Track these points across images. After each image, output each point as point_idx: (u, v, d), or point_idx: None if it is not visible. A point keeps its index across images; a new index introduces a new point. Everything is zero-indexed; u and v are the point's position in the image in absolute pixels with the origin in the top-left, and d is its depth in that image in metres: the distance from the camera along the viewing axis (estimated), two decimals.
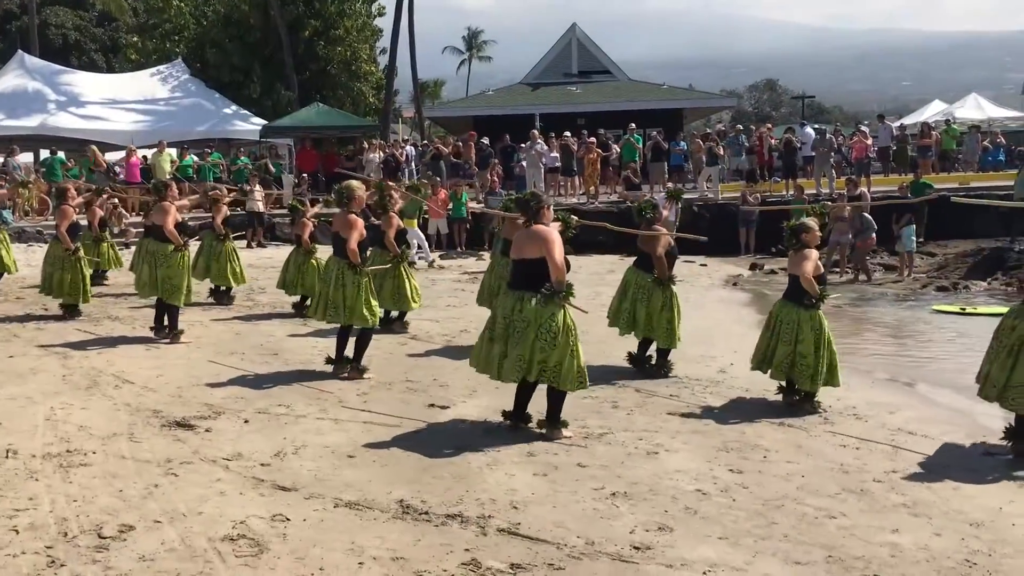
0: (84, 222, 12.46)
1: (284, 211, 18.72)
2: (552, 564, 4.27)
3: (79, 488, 5.12)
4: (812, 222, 7.31)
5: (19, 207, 21.01)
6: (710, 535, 4.65)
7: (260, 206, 19.85)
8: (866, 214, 15.96)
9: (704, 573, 4.23)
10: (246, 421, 6.58)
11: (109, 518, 4.67)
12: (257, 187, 19.23)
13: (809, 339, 7.00)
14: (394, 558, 4.29)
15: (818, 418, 6.96)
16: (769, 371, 7.26)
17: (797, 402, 7.18)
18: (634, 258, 8.61)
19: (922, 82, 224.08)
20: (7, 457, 5.61)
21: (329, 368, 8.09)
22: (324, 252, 9.96)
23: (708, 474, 5.59)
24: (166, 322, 9.60)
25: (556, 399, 6.25)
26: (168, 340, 9.43)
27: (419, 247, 17.15)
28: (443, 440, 6.19)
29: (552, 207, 6.54)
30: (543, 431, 6.27)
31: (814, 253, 7.19)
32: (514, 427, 6.40)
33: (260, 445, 5.99)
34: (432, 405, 7.13)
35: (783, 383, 7.25)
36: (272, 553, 4.31)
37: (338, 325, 8.05)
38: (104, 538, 4.43)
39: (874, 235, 16.17)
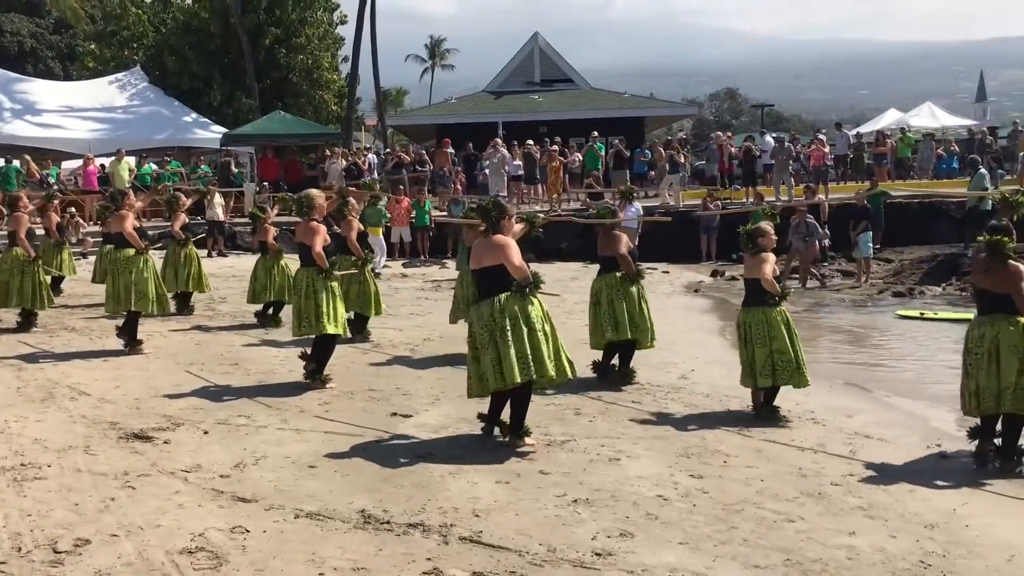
0: (39, 230, 12.28)
1: (245, 220, 18.56)
2: (514, 572, 4.27)
3: (33, 502, 5.03)
4: (767, 226, 7.40)
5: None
6: (671, 540, 4.68)
7: (220, 214, 19.67)
8: (811, 220, 16.18)
9: None
10: (206, 432, 6.50)
11: (64, 532, 4.60)
12: (217, 196, 19.04)
13: (782, 334, 7.06)
14: (355, 568, 4.27)
15: (777, 423, 7.04)
16: (754, 381, 7.19)
17: (764, 412, 7.21)
18: (596, 267, 8.65)
19: (877, 91, 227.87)
20: None
21: (291, 378, 8.03)
22: (290, 260, 9.96)
23: (669, 480, 5.63)
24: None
25: (521, 405, 6.23)
26: (127, 351, 9.30)
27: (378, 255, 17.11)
28: (405, 449, 6.17)
29: (514, 217, 6.55)
30: (506, 439, 6.27)
31: (771, 256, 7.28)
32: (487, 433, 6.37)
33: (220, 456, 5.93)
34: (395, 414, 7.10)
35: (757, 397, 7.28)
36: (231, 566, 4.27)
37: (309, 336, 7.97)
38: (59, 553, 4.35)
39: (818, 243, 16.37)
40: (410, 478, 5.56)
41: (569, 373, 6.17)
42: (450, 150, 23.55)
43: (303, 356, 7.99)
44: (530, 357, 5.90)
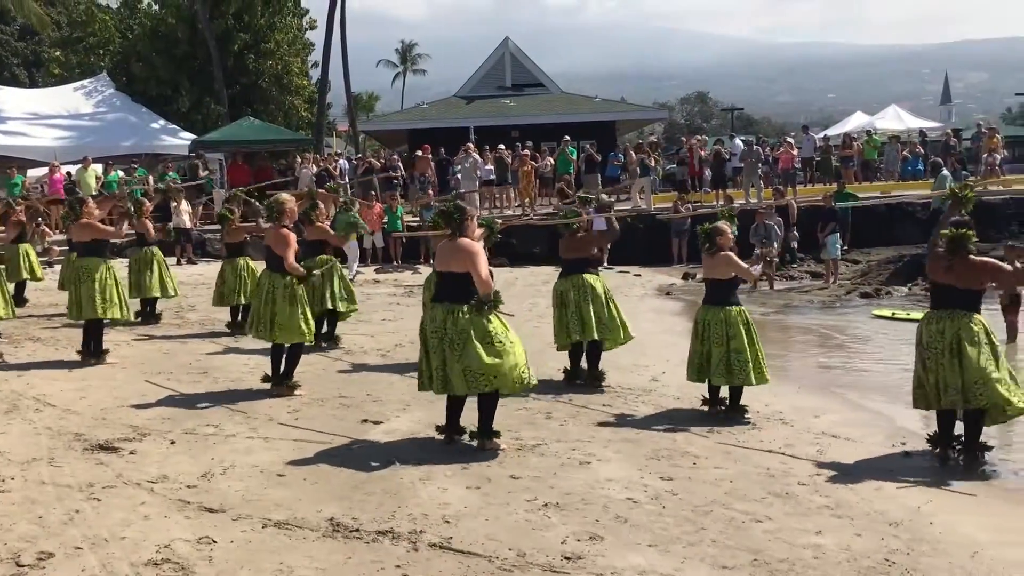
0: None
1: (215, 226, 18.40)
2: None
3: None
4: (724, 225, 7.47)
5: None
6: (640, 543, 4.70)
7: (187, 221, 19.49)
8: (769, 223, 16.30)
9: None
10: (172, 442, 6.44)
11: (27, 545, 4.54)
12: (184, 203, 18.85)
13: (740, 334, 7.12)
14: None
15: (745, 424, 7.09)
16: (707, 379, 7.29)
17: (724, 412, 7.29)
18: (559, 271, 8.69)
19: (846, 95, 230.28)
20: None
21: (260, 386, 7.97)
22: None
23: (639, 482, 5.66)
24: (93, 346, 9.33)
25: (488, 409, 6.25)
26: (94, 361, 9.18)
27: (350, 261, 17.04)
28: (376, 455, 6.14)
29: (476, 218, 6.55)
30: (475, 443, 6.27)
31: (730, 253, 7.33)
32: (449, 441, 6.39)
33: (186, 466, 5.87)
34: (365, 420, 7.07)
35: (706, 395, 7.37)
36: None
37: (268, 343, 7.96)
38: (22, 566, 4.30)
39: (776, 245, 16.47)
40: (380, 485, 5.54)
41: (529, 382, 6.17)
42: (430, 156, 23.52)
43: (266, 379, 7.95)
44: (478, 371, 5.92)
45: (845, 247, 18.35)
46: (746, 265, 7.37)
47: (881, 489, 5.60)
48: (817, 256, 17.77)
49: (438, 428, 6.46)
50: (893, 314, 13.06)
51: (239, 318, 10.99)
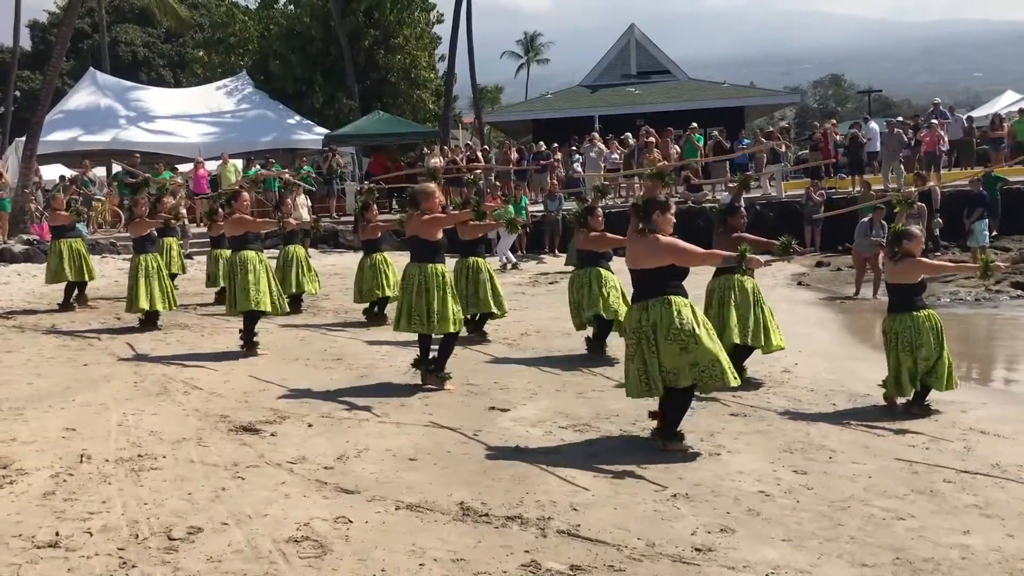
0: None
1: (349, 218, 18.85)
2: (612, 566, 4.25)
3: (150, 491, 5.25)
4: (916, 229, 7.11)
5: (93, 220, 21.66)
6: (773, 537, 4.58)
7: (305, 215, 19.92)
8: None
9: (767, 575, 4.17)
10: (310, 425, 6.68)
11: (178, 520, 4.79)
12: (300, 196, 19.28)
13: (930, 342, 6.81)
14: (454, 560, 4.32)
15: (886, 417, 6.80)
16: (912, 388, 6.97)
17: (915, 409, 6.98)
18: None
19: (994, 72, 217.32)
20: (81, 462, 5.79)
21: (391, 373, 8.16)
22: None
23: (771, 475, 5.51)
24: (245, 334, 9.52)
25: (674, 407, 5.97)
26: (244, 350, 9.44)
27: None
28: (503, 443, 6.20)
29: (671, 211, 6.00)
30: (658, 442, 6.03)
31: (919, 259, 6.98)
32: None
33: (323, 448, 6.08)
34: (493, 408, 7.15)
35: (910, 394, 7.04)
36: (335, 555, 4.38)
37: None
38: (173, 540, 4.54)
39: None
40: (508, 471, 5.59)
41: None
42: (514, 151, 23.65)
43: (416, 365, 7.84)
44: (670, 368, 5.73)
45: (994, 233, 17.36)
46: (927, 268, 7.05)
47: None
48: (964, 244, 16.87)
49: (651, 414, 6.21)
50: None
51: (376, 309, 11.26)
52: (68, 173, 23.34)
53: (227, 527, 4.70)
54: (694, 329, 5.69)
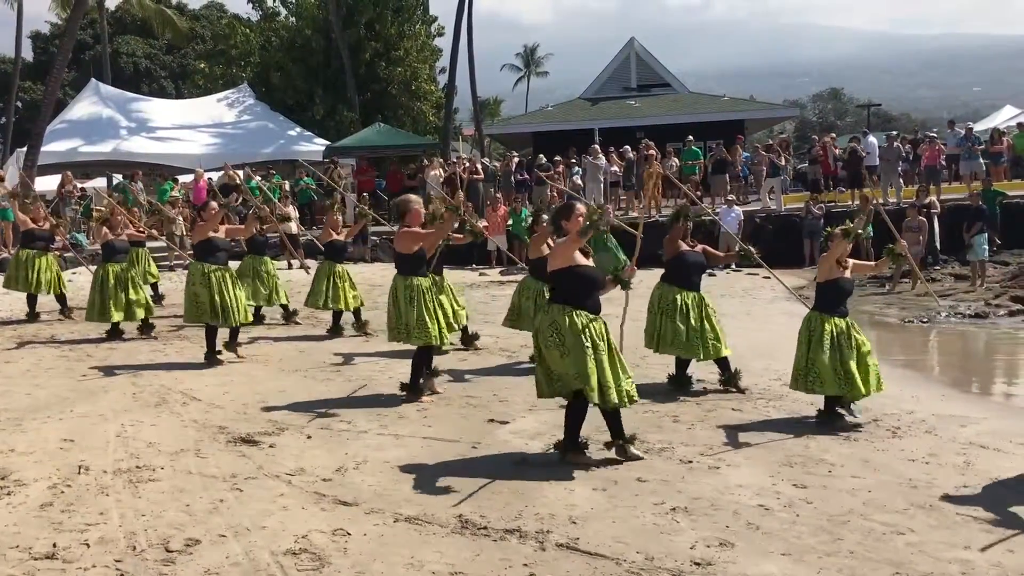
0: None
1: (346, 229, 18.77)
2: None
3: (148, 503, 5.24)
4: (838, 231, 7.23)
5: (93, 231, 21.64)
6: (773, 551, 4.56)
7: (293, 228, 19.82)
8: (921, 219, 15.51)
9: None
10: (309, 437, 6.67)
11: (176, 532, 4.78)
12: (290, 208, 19.23)
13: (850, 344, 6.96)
14: (453, 573, 4.30)
15: (886, 432, 6.79)
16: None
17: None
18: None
19: (993, 87, 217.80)
20: (79, 473, 5.79)
21: (389, 385, 8.16)
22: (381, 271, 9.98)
23: (771, 489, 5.50)
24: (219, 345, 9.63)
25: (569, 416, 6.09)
26: (235, 357, 9.59)
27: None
28: (502, 455, 6.19)
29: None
30: (612, 451, 6.06)
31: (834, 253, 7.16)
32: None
33: (322, 460, 6.07)
34: (492, 420, 7.14)
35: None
36: (333, 567, 4.36)
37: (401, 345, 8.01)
38: (171, 552, 4.53)
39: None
40: (507, 484, 5.57)
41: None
42: (515, 160, 23.80)
43: (403, 388, 7.87)
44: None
45: (994, 248, 17.37)
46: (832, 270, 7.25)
47: None
48: (963, 258, 16.87)
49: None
50: None
51: (359, 319, 11.47)
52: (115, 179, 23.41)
53: (225, 539, 4.69)
54: (564, 340, 5.73)
